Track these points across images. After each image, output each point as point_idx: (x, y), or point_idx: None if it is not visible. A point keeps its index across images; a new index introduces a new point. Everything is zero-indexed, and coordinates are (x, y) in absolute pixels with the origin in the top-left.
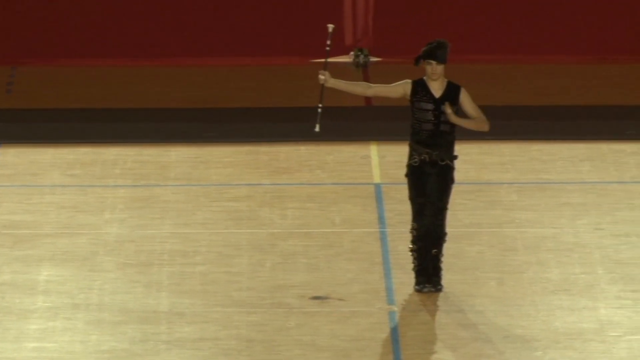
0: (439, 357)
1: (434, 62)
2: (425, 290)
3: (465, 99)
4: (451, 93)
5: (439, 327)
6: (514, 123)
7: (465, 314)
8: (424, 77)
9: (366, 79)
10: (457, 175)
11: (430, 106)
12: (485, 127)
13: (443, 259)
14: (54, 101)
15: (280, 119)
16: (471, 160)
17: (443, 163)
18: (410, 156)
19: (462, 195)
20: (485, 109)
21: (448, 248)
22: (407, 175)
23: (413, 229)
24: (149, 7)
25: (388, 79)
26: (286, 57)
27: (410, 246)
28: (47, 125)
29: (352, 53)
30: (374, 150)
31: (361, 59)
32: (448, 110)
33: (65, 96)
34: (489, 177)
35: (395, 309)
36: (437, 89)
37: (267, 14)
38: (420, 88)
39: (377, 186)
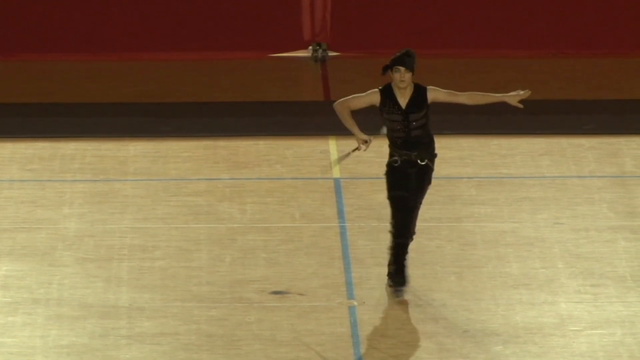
0: (398, 352)
1: (402, 69)
2: (397, 292)
3: (434, 95)
4: (417, 98)
5: (399, 322)
6: (473, 117)
7: (424, 308)
8: (392, 84)
9: (324, 73)
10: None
11: (398, 117)
12: (485, 98)
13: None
14: (11, 96)
15: (238, 114)
16: None
17: (423, 163)
18: (391, 155)
19: None
20: (442, 104)
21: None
22: (386, 173)
23: (391, 225)
24: (106, 2)
25: (346, 74)
26: (243, 52)
27: (390, 244)
28: (4, 120)
29: (310, 48)
30: (332, 145)
31: (319, 53)
32: None
33: (22, 91)
34: (448, 171)
35: (355, 303)
36: (403, 97)
37: (224, 8)
38: (388, 98)
39: (337, 181)
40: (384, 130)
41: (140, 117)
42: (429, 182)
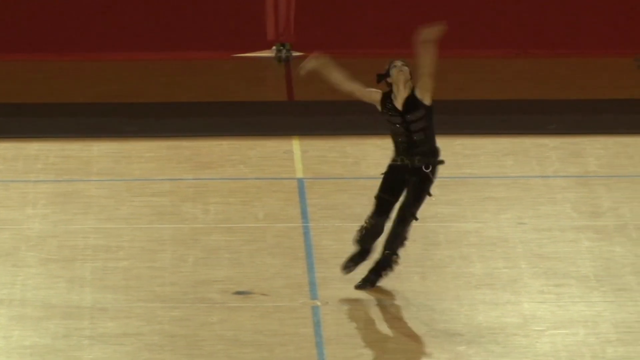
0: (361, 352)
1: (399, 63)
2: (349, 271)
3: (419, 87)
4: (412, 98)
5: (362, 322)
6: (437, 118)
7: (388, 308)
8: (392, 90)
9: (288, 73)
10: (380, 169)
11: (398, 120)
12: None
13: (395, 266)
14: None
15: (202, 114)
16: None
17: (428, 170)
18: (394, 157)
19: None
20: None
21: None
22: (384, 173)
23: (368, 222)
24: (69, 2)
25: (310, 74)
26: (207, 52)
27: (359, 229)
28: None
29: (274, 48)
30: (296, 145)
31: (283, 53)
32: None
33: None
34: None
35: (319, 303)
36: (400, 100)
37: (188, 8)
38: (387, 102)
39: (300, 181)
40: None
41: (104, 117)
42: (428, 193)
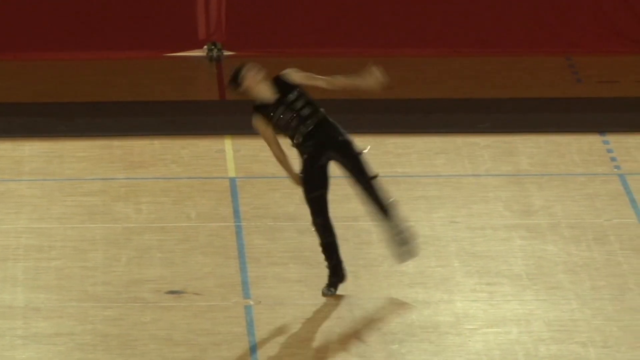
0: (294, 351)
1: (244, 71)
2: (330, 294)
3: (293, 75)
4: (278, 84)
5: (295, 321)
6: (368, 117)
7: (320, 307)
8: (255, 104)
9: (220, 73)
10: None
11: (279, 109)
12: (344, 82)
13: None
14: None
15: (133, 113)
16: None
17: (341, 139)
18: (300, 158)
19: None
20: (336, 103)
21: (303, 242)
22: (301, 173)
23: (316, 224)
24: None
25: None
26: (138, 51)
27: (320, 243)
28: None
29: (205, 47)
30: (228, 145)
31: (214, 52)
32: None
33: None
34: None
35: (252, 302)
36: (269, 94)
37: (118, 7)
38: (263, 109)
39: (232, 180)
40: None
41: (36, 117)
42: (359, 152)
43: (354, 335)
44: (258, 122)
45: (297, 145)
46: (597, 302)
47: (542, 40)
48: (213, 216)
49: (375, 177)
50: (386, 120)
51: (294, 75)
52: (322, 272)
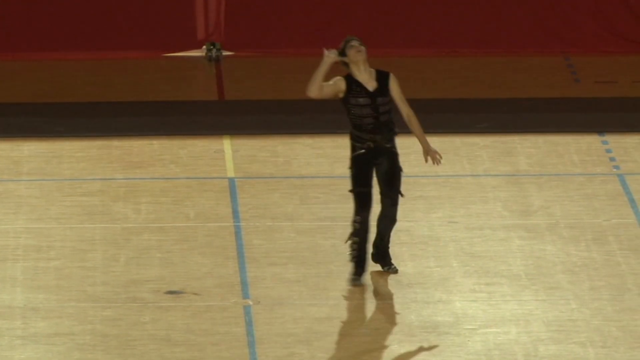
0: (293, 351)
1: (356, 42)
2: (359, 283)
3: (394, 85)
4: (382, 82)
5: (294, 321)
6: None
7: (320, 307)
8: (351, 73)
9: (219, 72)
10: (310, 169)
11: (367, 101)
12: (417, 129)
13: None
14: None
15: (132, 114)
16: (325, 154)
17: (389, 146)
18: (353, 149)
19: (315, 189)
20: (334, 103)
21: (301, 242)
22: (350, 167)
23: (356, 222)
24: None
25: (240, 73)
26: (137, 52)
27: (353, 239)
28: None
29: (204, 47)
30: (227, 145)
31: (213, 52)
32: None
33: None
34: (342, 170)
35: (250, 303)
36: (368, 81)
37: (117, 7)
38: (353, 84)
39: (231, 180)
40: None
41: (34, 117)
42: (400, 168)
43: (352, 335)
44: (340, 81)
45: (357, 135)
46: (596, 303)
47: (541, 41)
48: (212, 216)
49: (402, 195)
50: None
51: (394, 85)
52: (320, 272)
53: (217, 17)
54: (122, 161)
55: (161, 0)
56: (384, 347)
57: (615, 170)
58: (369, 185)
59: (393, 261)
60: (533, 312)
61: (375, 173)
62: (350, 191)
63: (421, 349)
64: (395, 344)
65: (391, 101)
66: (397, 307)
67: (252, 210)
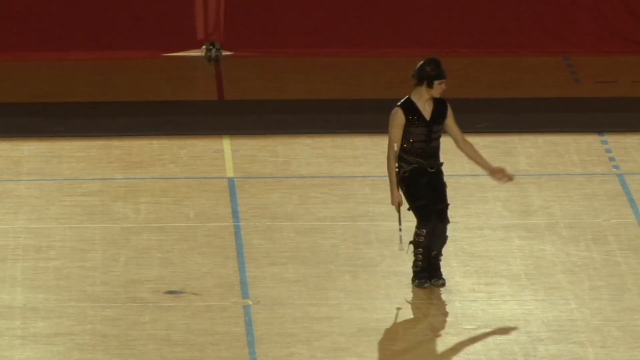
0: (293, 350)
1: (444, 81)
2: (427, 285)
3: (450, 114)
4: (440, 110)
5: (294, 321)
6: (366, 117)
7: (319, 307)
8: (412, 97)
9: (218, 72)
10: (310, 168)
11: (423, 130)
12: (474, 155)
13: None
14: None
15: (132, 114)
16: (324, 154)
17: (432, 170)
18: (399, 168)
19: (315, 189)
20: (334, 103)
21: (301, 242)
22: (401, 186)
23: (421, 235)
24: None
25: (240, 73)
26: (136, 51)
27: (416, 250)
28: None
29: (203, 47)
30: (226, 145)
31: (213, 52)
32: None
33: None
34: (342, 170)
35: (250, 302)
36: (426, 109)
37: (117, 7)
38: (411, 113)
39: (231, 180)
40: (399, 248)
41: (34, 117)
42: (445, 185)
43: (352, 335)
44: (398, 115)
45: (403, 157)
46: (595, 302)
47: (540, 41)
48: (211, 216)
49: (447, 205)
50: (384, 121)
51: (451, 114)
52: (320, 272)
53: (216, 17)
54: (122, 161)
55: (161, 0)
56: (383, 347)
57: (615, 170)
58: (424, 198)
59: (443, 275)
60: (532, 312)
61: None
62: (409, 209)
63: (421, 349)
64: (394, 344)
65: (442, 128)
66: (397, 308)
67: (252, 210)
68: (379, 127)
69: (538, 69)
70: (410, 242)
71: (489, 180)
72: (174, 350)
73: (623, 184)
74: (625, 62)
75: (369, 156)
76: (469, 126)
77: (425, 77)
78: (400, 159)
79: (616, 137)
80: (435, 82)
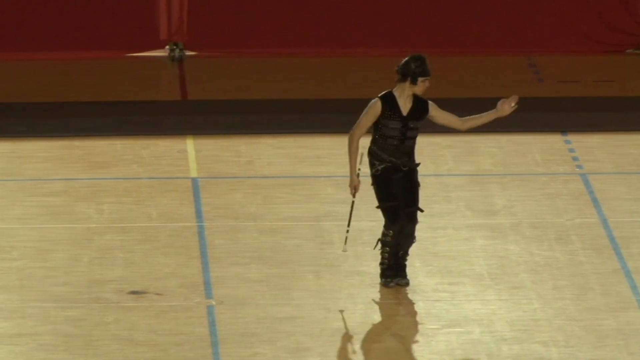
0: (257, 350)
1: (428, 79)
2: (392, 285)
3: (436, 112)
4: (419, 109)
5: (257, 321)
6: (330, 117)
7: (282, 307)
8: (394, 92)
9: (182, 73)
10: (273, 168)
11: (397, 124)
12: (477, 120)
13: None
14: None
15: (95, 114)
16: (288, 154)
17: (405, 169)
18: (372, 165)
19: (278, 189)
20: (297, 103)
21: (264, 242)
22: (372, 184)
23: (387, 236)
24: None
25: (203, 73)
26: (99, 51)
27: (383, 249)
28: None
29: (167, 47)
30: (190, 145)
31: (176, 53)
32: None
33: None
34: (305, 170)
35: (214, 303)
36: (406, 105)
37: (80, 7)
38: (388, 106)
39: (194, 180)
40: (344, 249)
41: None
42: (418, 183)
43: (315, 335)
44: (376, 105)
45: (376, 154)
46: (559, 302)
47: (503, 41)
48: (175, 216)
49: (421, 210)
50: (348, 121)
51: (435, 111)
52: (284, 272)
53: (179, 17)
54: (85, 161)
55: (124, 1)
56: (347, 347)
57: (578, 169)
58: (394, 199)
59: (408, 276)
60: (496, 312)
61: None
62: (377, 207)
63: (384, 349)
64: (358, 344)
65: (420, 128)
66: (360, 307)
67: (215, 210)
68: (342, 127)
69: (501, 69)
70: (378, 240)
71: (452, 180)
72: (138, 350)
73: (586, 183)
74: (588, 62)
75: (332, 156)
76: (432, 125)
77: (410, 73)
78: (373, 155)
79: (579, 136)
80: (419, 80)
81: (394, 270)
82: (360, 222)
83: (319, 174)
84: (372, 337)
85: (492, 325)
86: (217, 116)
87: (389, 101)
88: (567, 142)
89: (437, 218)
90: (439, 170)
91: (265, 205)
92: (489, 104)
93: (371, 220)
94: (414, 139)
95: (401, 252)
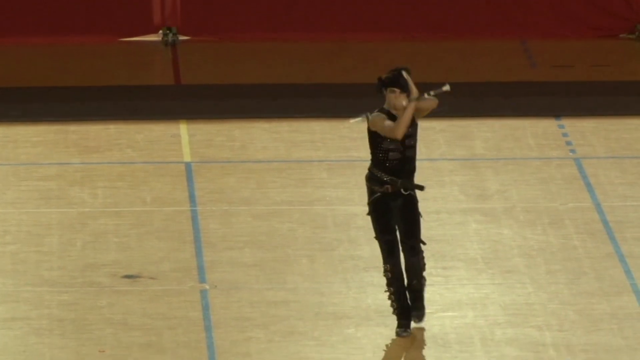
0: (251, 335)
1: (397, 90)
2: (406, 335)
3: (417, 112)
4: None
5: (251, 305)
6: (323, 101)
7: (276, 291)
8: (385, 107)
9: (175, 57)
10: (267, 153)
11: (396, 142)
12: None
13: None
14: None
15: (89, 98)
16: (281, 139)
17: (406, 193)
18: (371, 192)
19: (272, 173)
20: (291, 88)
21: (258, 226)
22: (369, 213)
23: (386, 271)
24: None
25: (196, 58)
26: (93, 36)
27: (387, 289)
28: None
29: (160, 32)
30: (183, 129)
31: (170, 37)
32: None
33: None
34: (299, 154)
35: (207, 287)
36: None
37: None
38: (388, 116)
39: (188, 164)
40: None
41: None
42: (419, 214)
43: (309, 319)
44: (380, 114)
45: (376, 176)
46: (552, 286)
47: (497, 25)
48: (168, 201)
49: (423, 243)
50: (341, 105)
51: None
52: (277, 256)
53: (173, 1)
54: (79, 146)
55: None
56: (341, 331)
57: (571, 154)
58: (392, 232)
59: (425, 309)
60: (490, 296)
61: (397, 220)
62: (375, 237)
63: (378, 333)
64: (352, 328)
65: (416, 133)
66: (354, 291)
67: (209, 194)
68: (336, 111)
69: (494, 54)
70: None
71: (446, 165)
72: (131, 334)
73: (580, 168)
74: (582, 47)
75: (326, 140)
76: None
77: (380, 84)
78: (372, 180)
79: (573, 121)
80: (388, 90)
81: (405, 314)
82: (354, 207)
83: (312, 159)
84: (365, 321)
85: (485, 309)
86: (210, 101)
87: (386, 112)
88: (561, 126)
89: (431, 202)
90: (432, 155)
91: (259, 190)
92: (482, 88)
93: (364, 205)
94: (412, 147)
95: (414, 282)
